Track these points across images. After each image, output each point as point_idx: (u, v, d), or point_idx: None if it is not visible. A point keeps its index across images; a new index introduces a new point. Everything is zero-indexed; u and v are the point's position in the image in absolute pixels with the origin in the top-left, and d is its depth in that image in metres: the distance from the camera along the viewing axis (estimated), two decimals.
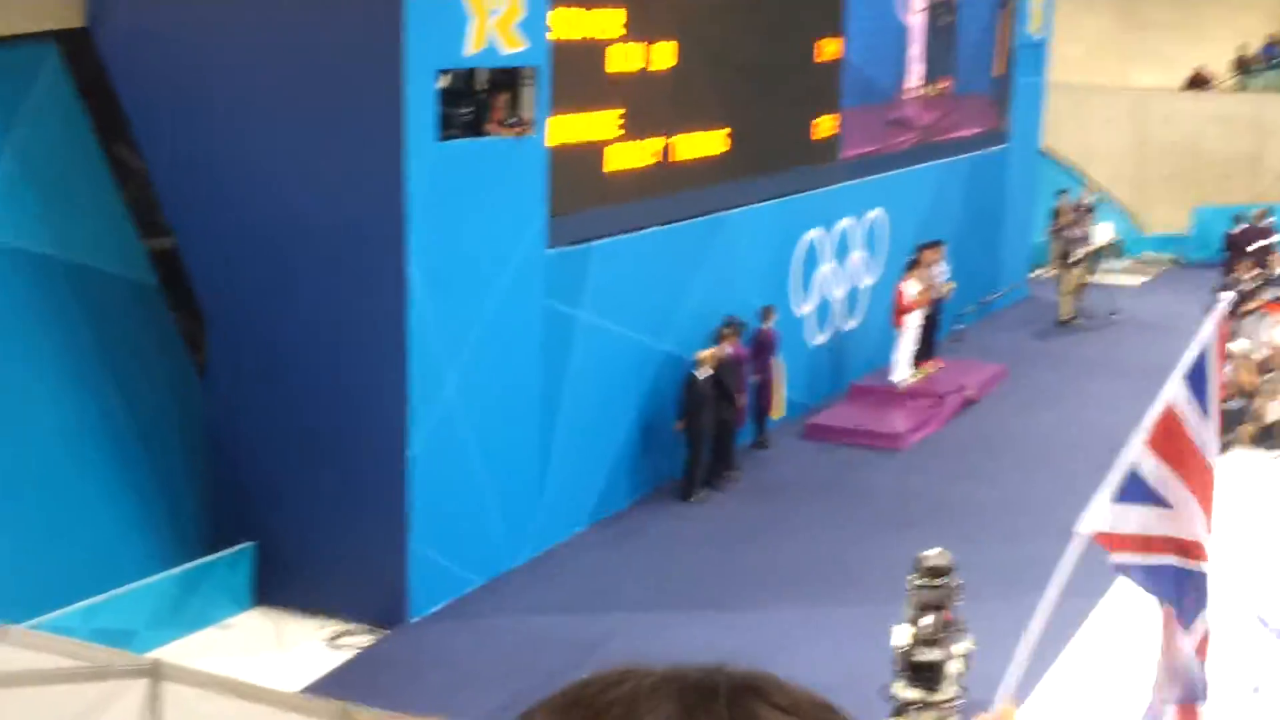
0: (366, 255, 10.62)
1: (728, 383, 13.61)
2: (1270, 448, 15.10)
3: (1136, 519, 5.06)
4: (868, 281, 17.58)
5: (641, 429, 13.50)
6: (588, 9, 12.38)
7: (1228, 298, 6.67)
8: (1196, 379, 5.11)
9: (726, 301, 14.20)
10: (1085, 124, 28.25)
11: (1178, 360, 16.21)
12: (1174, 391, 5.08)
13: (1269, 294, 17.88)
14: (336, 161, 10.63)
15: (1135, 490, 5.04)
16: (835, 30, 16.53)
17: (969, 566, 9.33)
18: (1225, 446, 14.89)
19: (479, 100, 11.65)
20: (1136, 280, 24.12)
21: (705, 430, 13.52)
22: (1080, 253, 21.00)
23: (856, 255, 17.31)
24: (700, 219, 14.12)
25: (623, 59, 12.93)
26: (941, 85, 19.67)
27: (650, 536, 12.89)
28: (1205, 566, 5.18)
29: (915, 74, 18.86)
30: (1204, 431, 5.10)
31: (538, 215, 11.76)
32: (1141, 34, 31.22)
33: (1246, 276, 18.18)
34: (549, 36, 11.71)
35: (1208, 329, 5.29)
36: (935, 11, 19.11)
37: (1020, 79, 22.20)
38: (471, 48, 10.84)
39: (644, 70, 13.23)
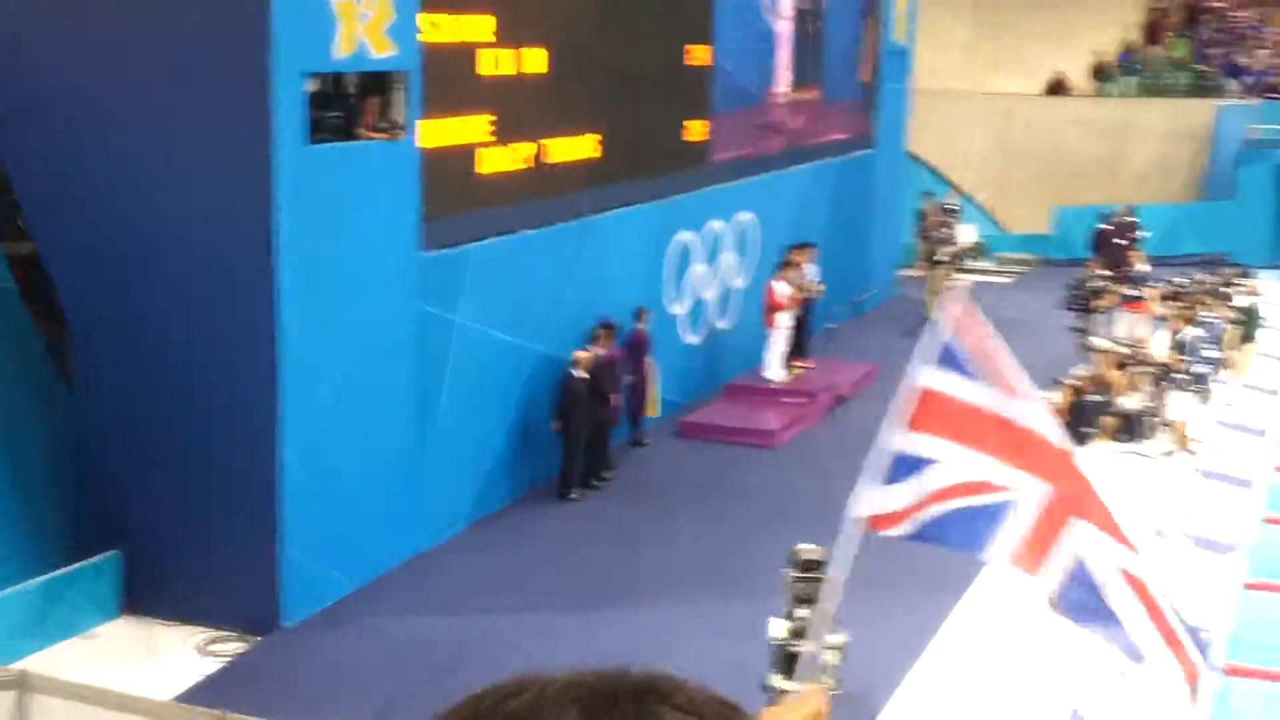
0: (235, 261, 10.51)
1: (603, 383, 13.71)
2: (1131, 440, 15.57)
3: (908, 493, 5.53)
4: (740, 283, 17.80)
5: (518, 430, 13.53)
6: (457, 14, 12.40)
7: (961, 283, 7.28)
8: (948, 360, 5.47)
9: (601, 303, 14.30)
10: (949, 129, 28.89)
11: (1042, 357, 16.64)
12: (928, 378, 5.49)
13: (1125, 290, 18.40)
14: (204, 166, 10.51)
15: (903, 469, 5.54)
16: (705, 36, 16.74)
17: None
18: (1086, 439, 15.39)
19: (349, 104, 11.61)
20: (1001, 279, 24.71)
21: (581, 430, 13.60)
22: (945, 253, 21.48)
23: (728, 257, 17.52)
24: (574, 222, 14.21)
25: (494, 63, 12.97)
26: (809, 91, 19.99)
27: (528, 537, 12.92)
28: (1015, 495, 5.48)
29: (784, 80, 19.15)
30: (989, 395, 5.41)
31: (409, 219, 11.74)
32: (1003, 41, 32.02)
33: (1096, 272, 18.70)
34: (419, 40, 11.70)
35: (947, 315, 5.59)
36: (803, 19, 19.42)
37: (886, 85, 22.64)
38: (340, 51, 10.80)
39: (516, 75, 13.28)
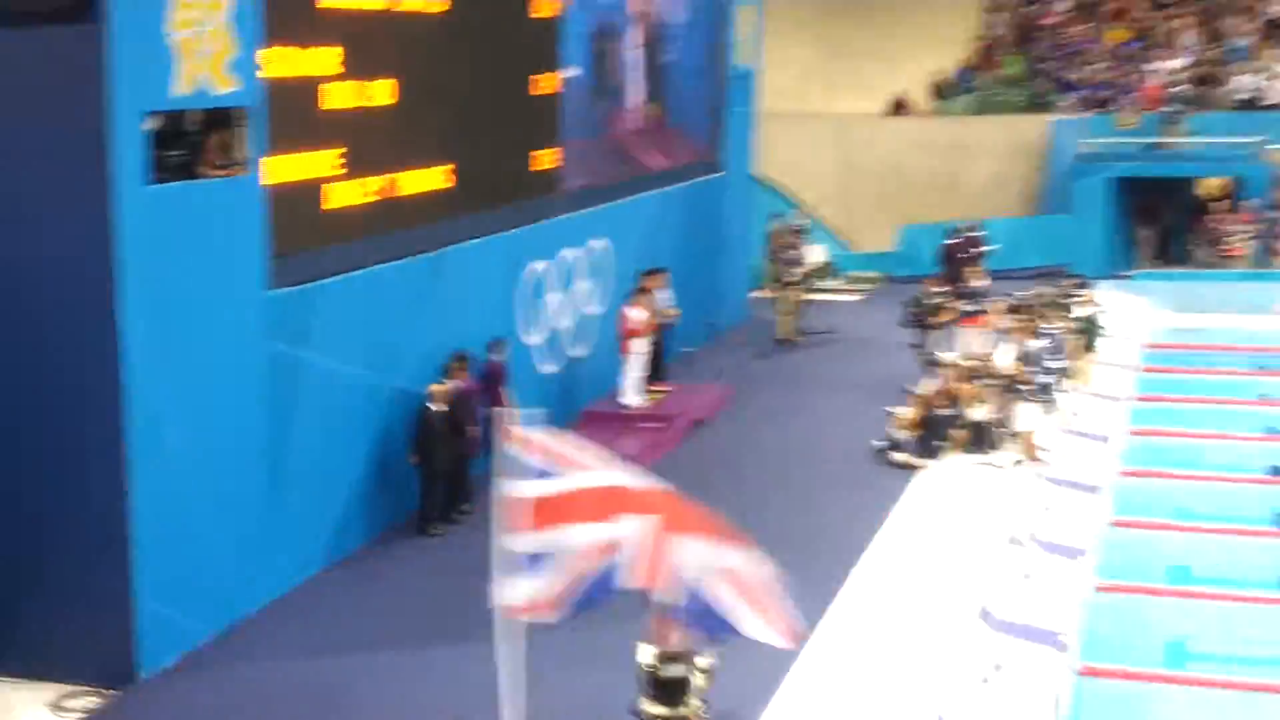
0: (77, 304, 10.26)
1: (460, 416, 13.63)
2: (981, 451, 15.91)
3: (548, 580, 6.77)
4: (594, 310, 17.85)
5: (375, 466, 13.38)
6: (302, 47, 12.27)
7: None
8: (528, 472, 6.60)
9: (456, 335, 14.22)
10: (794, 150, 29.38)
11: (890, 371, 16.81)
12: (518, 489, 6.53)
13: (963, 306, 18.79)
14: (41, 208, 10.24)
15: (533, 562, 6.66)
16: (552, 64, 16.78)
17: None
18: (938, 451, 15.71)
19: (190, 141, 11.40)
20: (850, 297, 25.15)
21: (439, 464, 13.51)
22: (795, 273, 21.78)
23: (582, 285, 17.56)
24: (426, 255, 14.12)
25: (340, 96, 12.85)
26: (657, 116, 20.16)
27: (389, 574, 12.78)
28: (626, 537, 6.74)
29: (633, 106, 19.28)
30: (571, 480, 6.60)
31: (256, 257, 11.56)
32: (843, 62, 32.67)
33: (934, 289, 19.08)
34: (263, 75, 11.55)
35: (513, 439, 6.71)
36: (650, 46, 19.58)
37: (732, 108, 22.93)
38: (181, 88, 10.61)
39: (363, 108, 13.18)
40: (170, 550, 10.68)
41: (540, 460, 6.49)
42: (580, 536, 6.65)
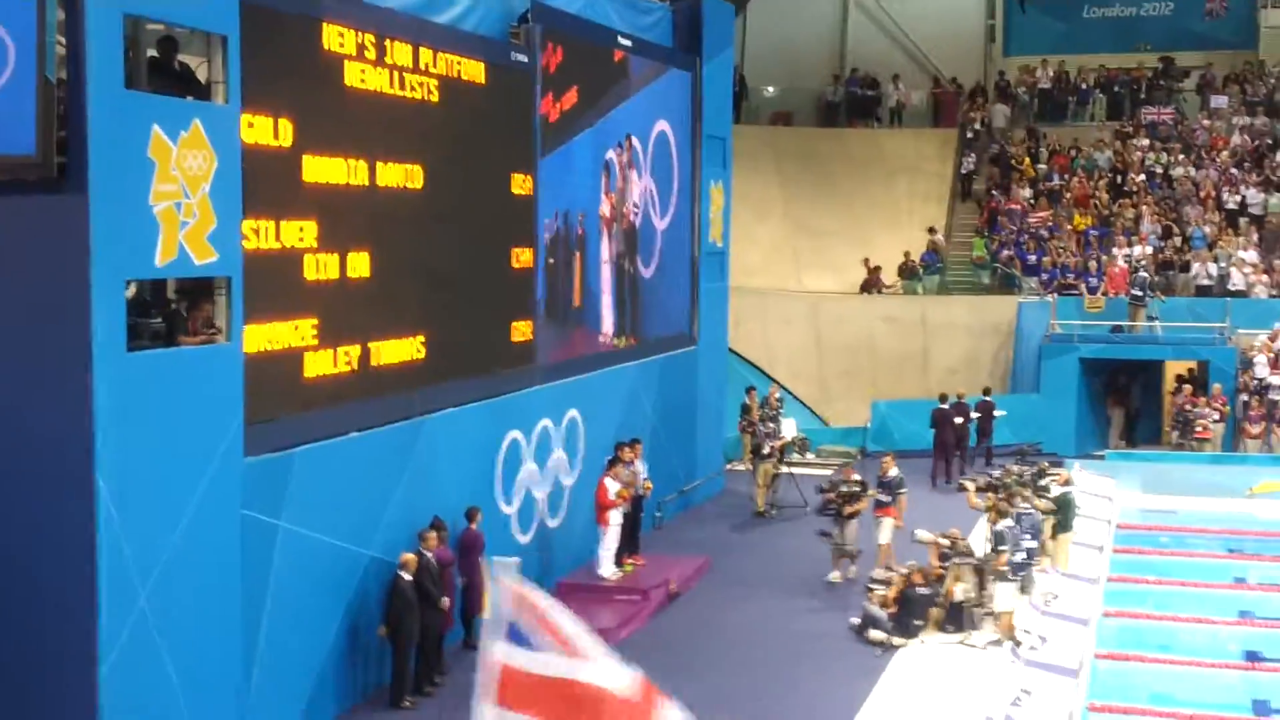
0: (53, 468, 10.18)
1: (431, 586, 13.45)
2: (958, 630, 15.76)
3: None
4: (569, 480, 17.78)
5: (348, 636, 13.16)
6: (279, 220, 12.39)
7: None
8: (514, 636, 6.01)
9: (431, 503, 14.13)
10: (765, 325, 29.68)
11: (867, 547, 16.68)
12: (501, 653, 5.95)
13: (880, 496, 17.95)
14: (20, 372, 10.23)
15: None
16: (529, 239, 16.99)
17: None
18: (915, 631, 15.57)
19: (170, 310, 11.43)
20: (824, 471, 25.10)
21: (411, 635, 13.29)
22: (769, 447, 21.81)
23: (557, 455, 17.53)
24: (401, 423, 14.09)
25: (317, 268, 12.95)
26: (630, 333, 20.40)
27: None
28: None
29: (607, 313, 19.49)
30: (553, 662, 5.92)
31: (233, 424, 11.51)
32: (810, 240, 33.21)
33: (852, 478, 18.36)
34: (242, 246, 11.64)
35: (505, 593, 6.03)
36: (620, 264, 19.87)
37: (705, 284, 23.22)
38: (162, 258, 10.67)
39: (340, 279, 13.27)
40: (136, 713, 10.41)
41: (527, 627, 6.00)
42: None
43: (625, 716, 5.84)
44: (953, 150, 34.60)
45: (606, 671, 5.92)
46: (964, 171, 33.75)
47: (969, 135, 34.31)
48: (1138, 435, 28.07)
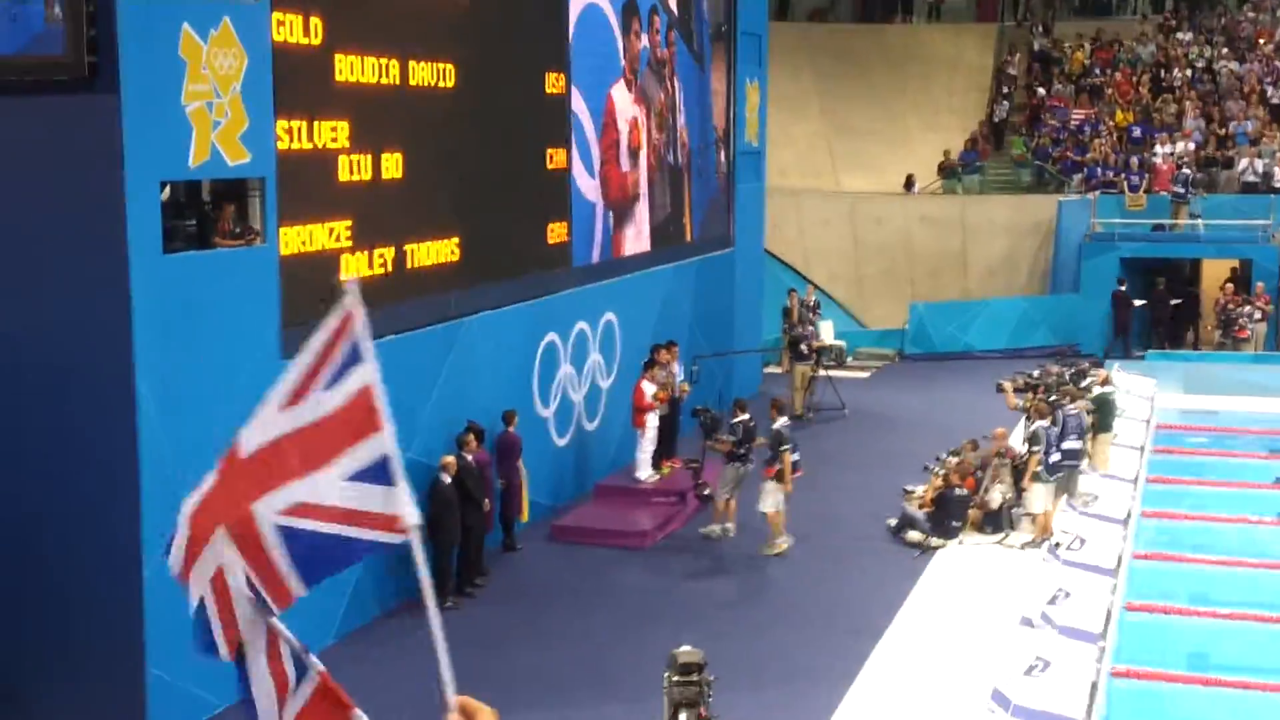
0: (93, 372, 10.19)
1: (472, 488, 13.49)
2: (996, 531, 15.75)
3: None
4: (606, 383, 17.75)
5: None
6: (311, 121, 12.26)
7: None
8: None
9: (468, 407, 14.12)
10: (803, 226, 29.41)
11: (903, 449, 16.50)
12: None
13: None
14: (58, 277, 10.22)
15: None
16: (564, 140, 16.81)
17: (717, 661, 9.40)
18: (954, 532, 15.55)
19: (204, 211, 11.37)
20: (861, 374, 25.05)
21: (452, 537, 13.35)
22: (807, 348, 21.70)
23: (594, 358, 17.48)
24: (437, 326, 14.05)
25: (350, 169, 12.84)
26: (668, 187, 20.20)
27: (402, 646, 12.57)
28: None
29: (642, 178, 19.30)
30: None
31: (271, 326, 11.49)
32: (847, 141, 32.76)
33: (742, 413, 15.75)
34: (275, 147, 11.54)
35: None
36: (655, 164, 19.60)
37: (741, 185, 22.97)
38: (195, 159, 10.59)
39: (373, 180, 13.16)
40: (181, 622, 10.47)
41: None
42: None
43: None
44: (992, 46, 33.99)
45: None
46: (1005, 61, 33.12)
47: (1009, 29, 33.64)
48: (1181, 335, 27.74)
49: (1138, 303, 26.15)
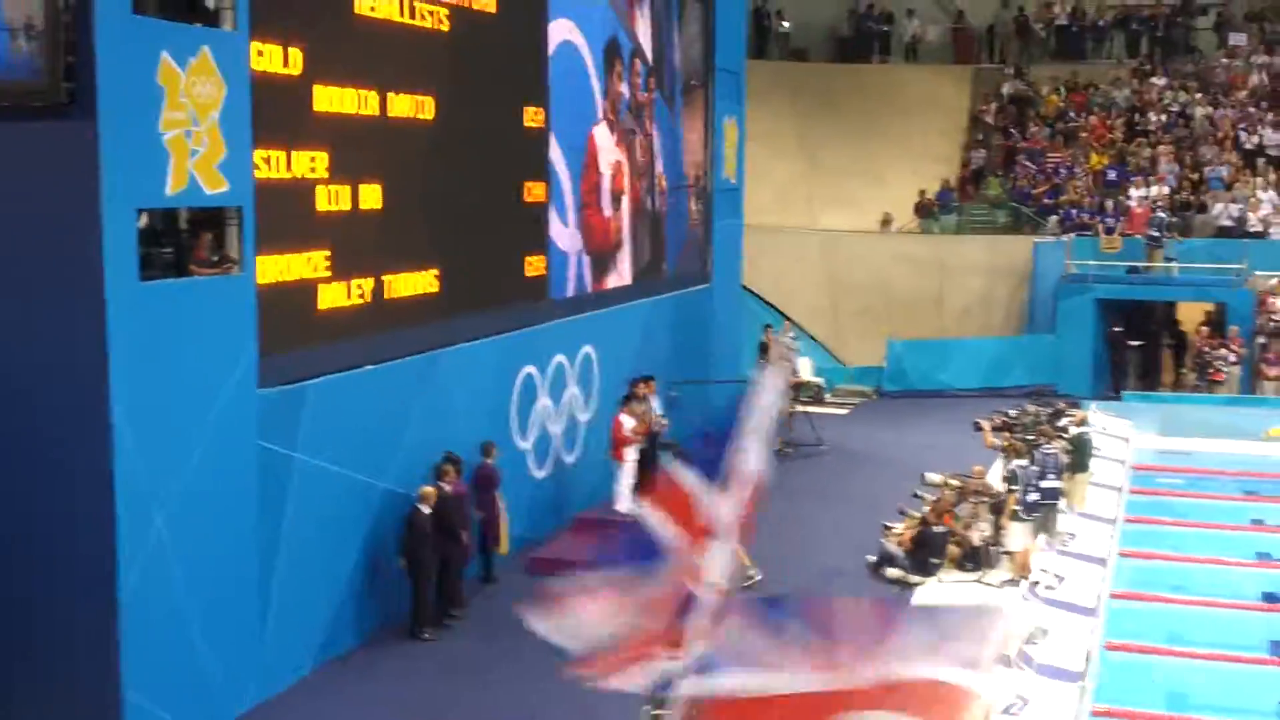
0: (68, 399, 10.11)
1: (450, 519, 13.39)
2: (975, 569, 15.69)
3: None
4: (584, 417, 17.68)
5: (365, 568, 13.11)
6: (289, 150, 12.21)
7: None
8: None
9: (446, 438, 14.03)
10: (780, 263, 29.43)
11: (882, 486, 16.46)
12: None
13: None
14: (34, 303, 10.12)
15: None
16: (540, 173, 16.78)
17: None
18: (933, 569, 15.49)
19: (181, 240, 11.30)
20: (840, 410, 25.02)
21: (429, 567, 13.25)
22: (785, 385, 21.67)
23: (572, 391, 17.42)
24: (416, 356, 13.97)
25: (328, 199, 12.78)
26: (646, 225, 20.19)
27: (378, 677, 12.48)
28: None
29: (621, 208, 19.28)
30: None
31: (247, 355, 11.41)
32: (825, 178, 32.87)
33: None
34: (254, 175, 11.48)
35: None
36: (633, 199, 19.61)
37: (719, 221, 23.00)
38: (172, 187, 10.53)
39: (351, 210, 13.10)
40: (158, 646, 10.41)
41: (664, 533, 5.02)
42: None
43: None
44: (969, 88, 34.19)
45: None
46: (980, 109, 33.35)
47: (985, 71, 33.87)
48: (1156, 377, 27.82)
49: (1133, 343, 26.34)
